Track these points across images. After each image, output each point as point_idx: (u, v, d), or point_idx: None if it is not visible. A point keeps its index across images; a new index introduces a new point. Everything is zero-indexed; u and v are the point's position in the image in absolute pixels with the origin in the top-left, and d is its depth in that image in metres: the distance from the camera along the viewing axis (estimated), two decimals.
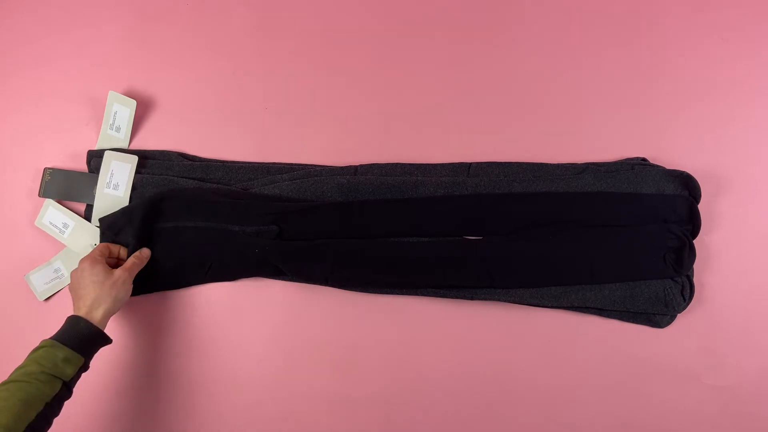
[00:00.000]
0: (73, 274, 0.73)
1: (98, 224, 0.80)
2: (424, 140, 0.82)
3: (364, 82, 0.84)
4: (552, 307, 0.77)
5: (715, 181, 0.78)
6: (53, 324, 0.67)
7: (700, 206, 0.76)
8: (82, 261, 0.73)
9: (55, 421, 0.63)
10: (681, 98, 0.80)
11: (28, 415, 0.58)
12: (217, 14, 0.86)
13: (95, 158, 0.83)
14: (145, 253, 0.78)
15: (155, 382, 0.81)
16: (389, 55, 0.84)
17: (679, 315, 0.77)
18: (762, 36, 0.80)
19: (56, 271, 0.82)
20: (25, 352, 0.64)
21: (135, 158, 0.81)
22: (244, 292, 0.82)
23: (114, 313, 0.72)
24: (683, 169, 0.77)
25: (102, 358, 0.82)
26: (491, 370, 0.79)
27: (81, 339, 0.66)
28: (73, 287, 0.72)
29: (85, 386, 0.81)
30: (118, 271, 0.73)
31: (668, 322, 0.76)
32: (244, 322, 0.82)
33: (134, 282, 0.75)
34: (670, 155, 0.79)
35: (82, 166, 0.84)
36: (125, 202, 0.81)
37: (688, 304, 0.75)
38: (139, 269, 0.76)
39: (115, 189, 0.80)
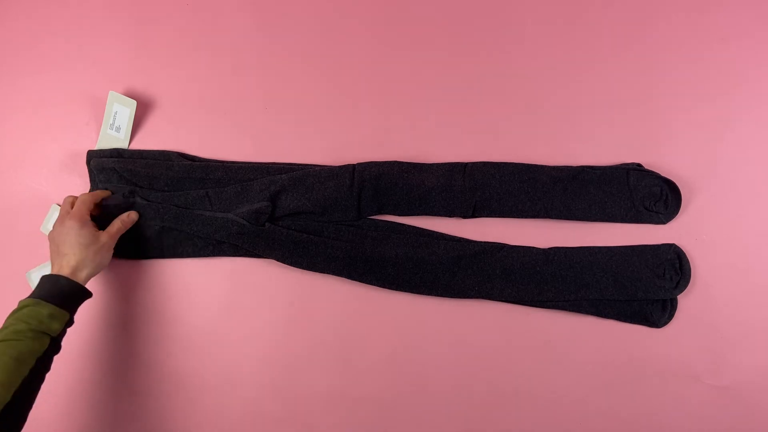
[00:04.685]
0: (58, 228, 0.73)
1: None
2: (424, 140, 0.82)
3: (364, 83, 0.84)
4: (545, 299, 0.77)
5: (715, 182, 0.78)
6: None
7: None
8: (69, 218, 0.72)
9: (53, 422, 0.63)
10: (680, 101, 0.80)
11: (22, 372, 0.60)
12: (216, 14, 0.86)
13: (95, 158, 0.83)
14: (132, 216, 0.78)
15: (154, 382, 0.81)
16: (389, 55, 0.84)
17: (679, 315, 0.77)
18: (761, 39, 0.80)
19: None
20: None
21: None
22: (245, 290, 0.82)
23: (93, 277, 0.73)
24: (683, 170, 0.77)
25: (101, 357, 0.82)
26: (491, 370, 0.79)
27: (64, 296, 0.67)
28: (57, 242, 0.72)
29: (85, 387, 0.82)
30: (104, 236, 0.73)
31: (666, 322, 0.76)
32: (244, 320, 0.82)
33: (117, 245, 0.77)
34: (670, 156, 0.79)
35: (82, 166, 0.84)
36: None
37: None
38: (122, 233, 0.77)
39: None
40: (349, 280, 0.80)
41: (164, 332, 0.82)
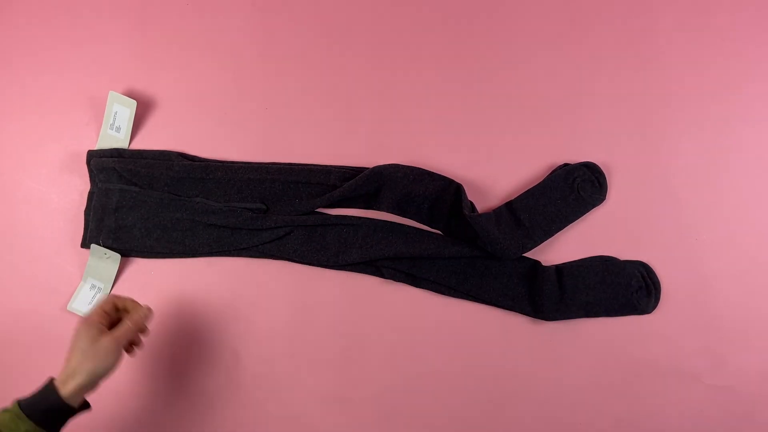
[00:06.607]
0: (74, 331, 0.65)
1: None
2: (424, 140, 0.82)
3: (365, 82, 0.84)
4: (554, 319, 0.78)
5: (714, 181, 0.78)
6: None
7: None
8: (80, 320, 0.65)
9: None
10: (680, 100, 0.80)
11: None
12: (217, 14, 0.86)
13: (95, 158, 0.83)
14: (141, 315, 0.67)
15: (152, 382, 0.81)
16: (389, 55, 0.84)
17: (679, 315, 0.77)
18: (761, 39, 0.80)
19: (92, 287, 0.82)
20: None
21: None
22: (244, 290, 0.82)
23: (92, 388, 0.63)
24: (683, 169, 0.78)
25: None
26: (491, 370, 0.79)
27: (47, 414, 0.60)
28: (72, 341, 0.64)
29: None
30: (104, 340, 0.63)
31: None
32: (244, 320, 0.82)
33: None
34: (670, 155, 0.79)
35: (82, 166, 0.84)
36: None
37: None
38: (133, 334, 0.67)
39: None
40: (351, 279, 0.80)
41: (163, 332, 0.82)
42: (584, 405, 0.78)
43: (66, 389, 0.61)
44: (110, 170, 0.82)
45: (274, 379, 0.81)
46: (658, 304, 0.77)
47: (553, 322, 0.77)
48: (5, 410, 0.60)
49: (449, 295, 0.78)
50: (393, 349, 0.80)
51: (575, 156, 0.80)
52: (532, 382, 0.78)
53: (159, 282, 0.83)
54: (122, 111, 0.83)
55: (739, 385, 0.76)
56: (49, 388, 0.62)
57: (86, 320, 0.65)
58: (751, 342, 0.76)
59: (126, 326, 0.66)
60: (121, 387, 0.81)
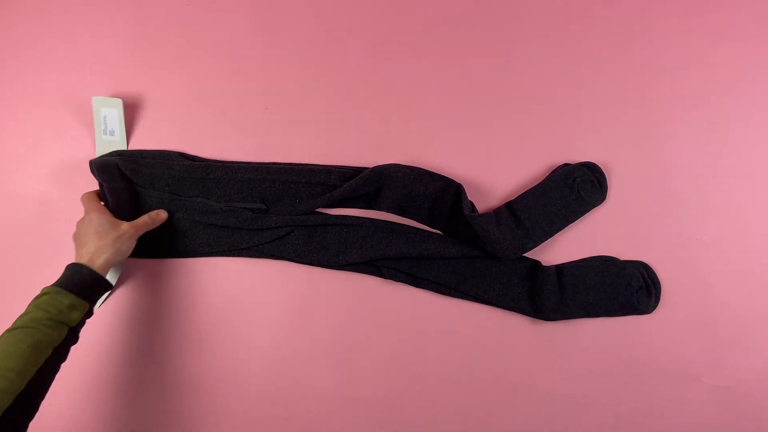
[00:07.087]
0: (80, 222, 0.74)
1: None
2: (424, 140, 0.82)
3: (364, 82, 0.84)
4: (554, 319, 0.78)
5: (715, 181, 0.78)
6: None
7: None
8: (90, 210, 0.75)
9: (52, 418, 0.63)
10: (680, 100, 0.80)
11: (37, 360, 0.59)
12: (217, 14, 0.86)
13: (97, 157, 0.83)
14: (161, 215, 0.80)
15: (155, 381, 0.82)
16: (389, 54, 0.84)
17: (679, 315, 0.77)
18: (761, 39, 0.80)
19: None
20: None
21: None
22: (245, 290, 0.82)
23: (114, 265, 0.72)
24: (683, 169, 0.78)
25: (101, 355, 0.82)
26: (491, 370, 0.79)
27: (84, 285, 0.67)
28: (77, 235, 0.73)
29: (83, 385, 0.82)
30: (125, 225, 0.74)
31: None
32: (246, 321, 0.82)
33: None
34: (670, 155, 0.79)
35: (83, 165, 0.84)
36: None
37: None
38: (148, 230, 0.78)
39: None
40: (351, 279, 0.80)
41: (165, 332, 0.82)
42: (584, 405, 0.78)
43: (96, 264, 0.69)
44: (112, 170, 0.82)
45: (274, 378, 0.81)
46: (658, 304, 0.77)
47: (553, 322, 0.78)
48: (41, 294, 0.64)
49: (449, 295, 0.79)
50: (393, 349, 0.80)
51: (575, 156, 0.80)
52: (532, 381, 0.78)
53: (160, 282, 0.83)
54: (110, 113, 0.82)
55: (738, 385, 0.76)
56: (77, 267, 0.68)
57: (98, 211, 0.75)
58: (751, 342, 0.76)
59: (145, 220, 0.77)
60: (120, 385, 0.82)
